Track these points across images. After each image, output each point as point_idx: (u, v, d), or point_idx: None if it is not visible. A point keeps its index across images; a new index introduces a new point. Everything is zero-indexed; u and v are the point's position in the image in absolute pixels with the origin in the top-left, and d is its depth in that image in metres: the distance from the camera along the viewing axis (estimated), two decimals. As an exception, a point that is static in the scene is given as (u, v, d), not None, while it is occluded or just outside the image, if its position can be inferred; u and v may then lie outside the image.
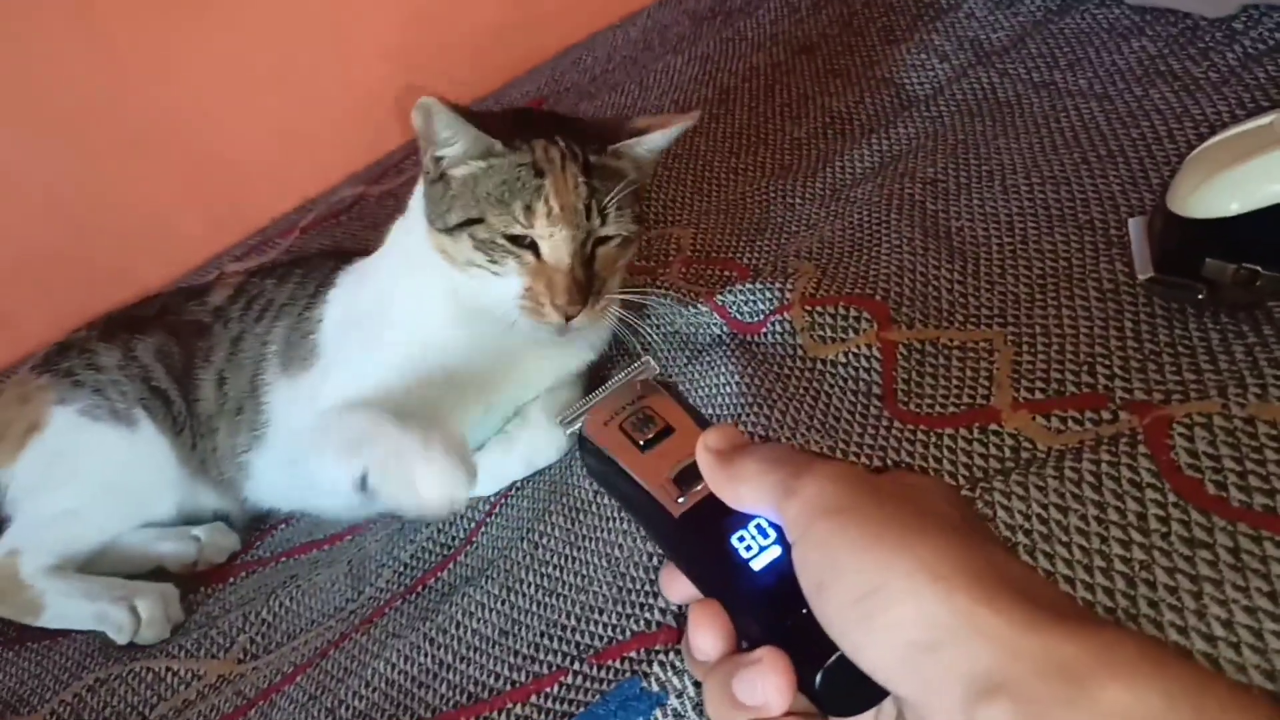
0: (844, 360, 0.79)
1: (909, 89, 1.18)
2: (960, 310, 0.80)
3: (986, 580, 0.34)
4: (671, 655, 0.62)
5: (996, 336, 0.76)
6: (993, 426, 0.68)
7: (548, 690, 0.67)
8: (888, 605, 0.35)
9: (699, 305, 0.94)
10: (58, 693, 0.93)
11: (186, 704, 0.87)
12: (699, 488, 0.44)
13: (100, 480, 1.04)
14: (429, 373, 0.89)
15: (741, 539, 0.42)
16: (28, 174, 1.61)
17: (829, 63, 1.32)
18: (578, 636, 0.71)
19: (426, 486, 0.75)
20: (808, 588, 0.38)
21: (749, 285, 0.91)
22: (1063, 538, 0.58)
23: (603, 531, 0.79)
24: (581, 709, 0.64)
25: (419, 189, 0.93)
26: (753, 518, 0.42)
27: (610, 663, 0.66)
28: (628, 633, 0.67)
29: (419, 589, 0.87)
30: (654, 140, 0.87)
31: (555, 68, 1.73)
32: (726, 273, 1.00)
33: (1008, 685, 0.32)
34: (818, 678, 0.38)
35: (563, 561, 0.79)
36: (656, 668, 0.62)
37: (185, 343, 1.08)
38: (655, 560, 0.72)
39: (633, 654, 0.65)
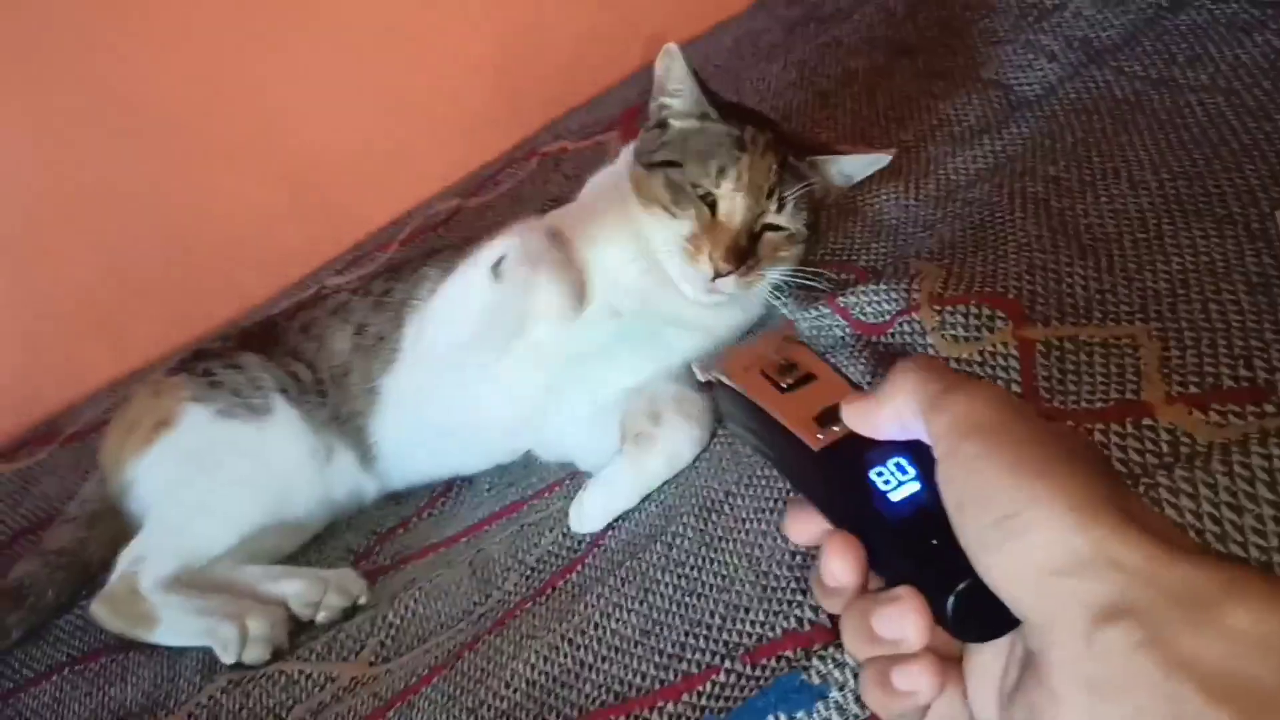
0: (980, 359, 0.79)
1: (1018, 90, 1.17)
2: (1098, 307, 0.79)
3: (1121, 515, 0.35)
4: (832, 649, 0.61)
5: (1140, 332, 0.75)
6: (1146, 421, 0.67)
7: (700, 689, 0.67)
8: (1025, 529, 0.36)
9: (820, 307, 0.93)
10: (193, 695, 0.95)
11: (322, 706, 0.88)
12: (839, 426, 0.46)
13: (232, 476, 1.06)
14: (590, 240, 1.00)
15: (880, 474, 0.43)
16: (130, 187, 1.66)
17: (930, 65, 1.31)
18: (725, 635, 0.71)
19: (543, 299, 0.92)
20: (949, 505, 0.39)
21: (871, 286, 0.91)
22: (1238, 537, 0.57)
23: (740, 531, 0.79)
24: (738, 704, 0.63)
25: (625, 148, 1.06)
26: (892, 456, 0.43)
27: (764, 660, 0.66)
28: (779, 630, 0.67)
29: (549, 591, 0.88)
30: (848, 163, 0.98)
31: (647, 78, 1.74)
32: (844, 275, 0.99)
33: (1134, 610, 0.33)
34: (949, 602, 0.39)
35: (700, 562, 0.79)
36: (816, 661, 0.61)
37: (317, 325, 1.12)
38: (800, 559, 0.72)
39: (788, 652, 0.65)
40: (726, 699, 0.65)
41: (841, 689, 0.59)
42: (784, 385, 0.49)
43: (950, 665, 0.42)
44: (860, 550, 0.43)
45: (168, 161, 1.67)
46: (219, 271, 1.72)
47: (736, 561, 0.76)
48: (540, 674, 0.77)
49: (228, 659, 0.95)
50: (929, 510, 0.40)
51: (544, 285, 0.93)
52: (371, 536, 1.10)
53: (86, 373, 1.66)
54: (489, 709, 0.77)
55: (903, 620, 0.40)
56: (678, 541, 0.82)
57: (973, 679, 0.42)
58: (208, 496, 1.05)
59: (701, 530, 0.82)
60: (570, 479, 1.01)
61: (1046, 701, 0.36)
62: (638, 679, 0.72)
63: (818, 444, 0.46)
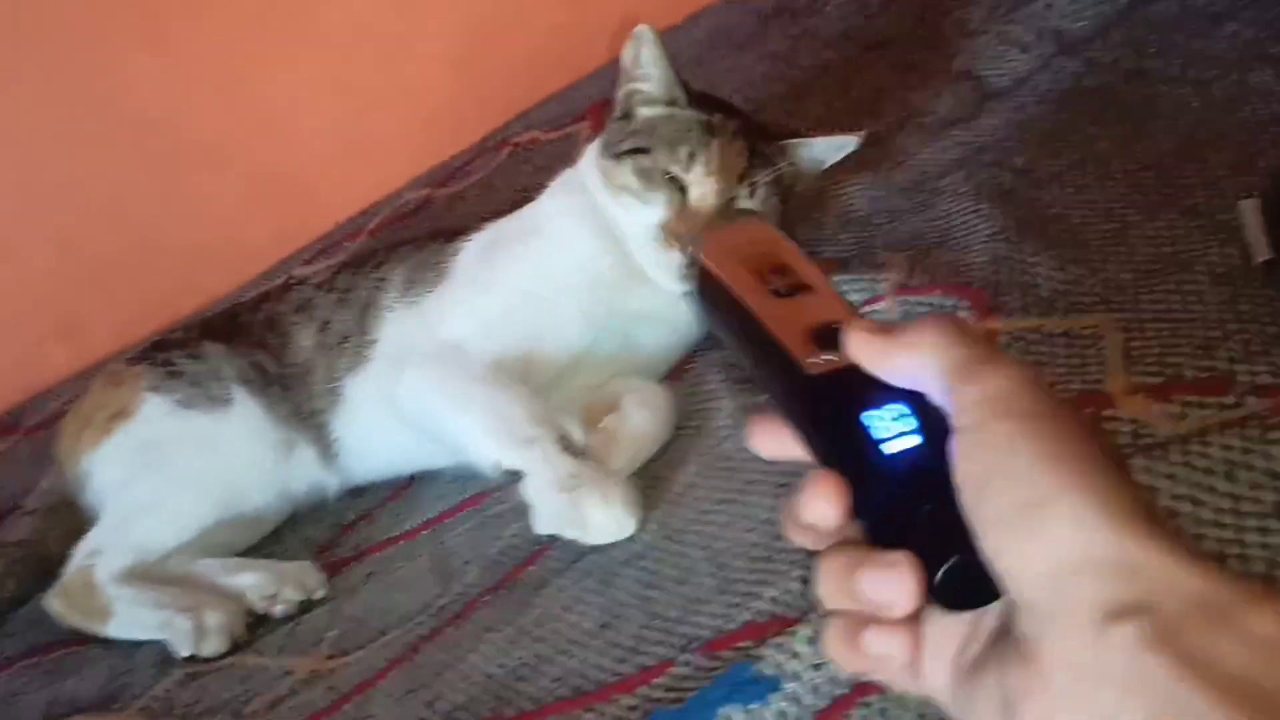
0: (943, 350, 0.78)
1: (989, 81, 1.16)
2: (1063, 298, 0.78)
3: (1146, 520, 0.34)
4: (785, 638, 0.60)
5: (1103, 323, 0.74)
6: (1107, 412, 0.67)
7: (655, 681, 0.66)
8: (1051, 521, 0.35)
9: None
10: (149, 689, 0.93)
11: (280, 699, 0.86)
12: (837, 353, 0.40)
13: (189, 469, 1.04)
14: (558, 281, 0.97)
15: (879, 419, 0.39)
16: (95, 185, 1.65)
17: (903, 57, 1.31)
18: (682, 628, 0.70)
19: (598, 528, 0.81)
20: (964, 480, 0.37)
21: (838, 277, 0.90)
22: (1195, 530, 0.57)
23: (699, 524, 0.78)
24: (692, 696, 0.62)
25: (589, 147, 1.04)
26: (892, 401, 0.39)
27: (721, 652, 0.65)
28: (737, 622, 0.66)
29: (509, 583, 0.87)
30: (816, 146, 0.99)
31: (618, 70, 1.72)
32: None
33: (1149, 609, 0.32)
34: (940, 573, 0.37)
35: (660, 555, 0.78)
36: (770, 650, 0.60)
37: (282, 322, 1.10)
38: (759, 551, 0.71)
39: (744, 644, 0.64)
40: (680, 690, 0.64)
41: (796, 679, 0.58)
42: (780, 289, 0.43)
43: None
44: (848, 495, 0.40)
45: (130, 157, 1.66)
46: (183, 266, 1.70)
47: (696, 554, 0.75)
48: (498, 667, 0.76)
49: (183, 651, 0.93)
50: (926, 470, 0.38)
51: (596, 509, 0.82)
52: (333, 529, 1.09)
53: (47, 366, 1.65)
54: (445, 701, 0.76)
55: (898, 588, 0.39)
56: (639, 534, 0.81)
57: (928, 645, 0.41)
58: (164, 489, 1.04)
59: (663, 523, 0.81)
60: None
61: (1033, 684, 0.35)
62: (595, 672, 0.71)
63: (812, 369, 0.41)
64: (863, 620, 0.40)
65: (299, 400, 1.08)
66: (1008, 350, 0.74)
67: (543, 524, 0.84)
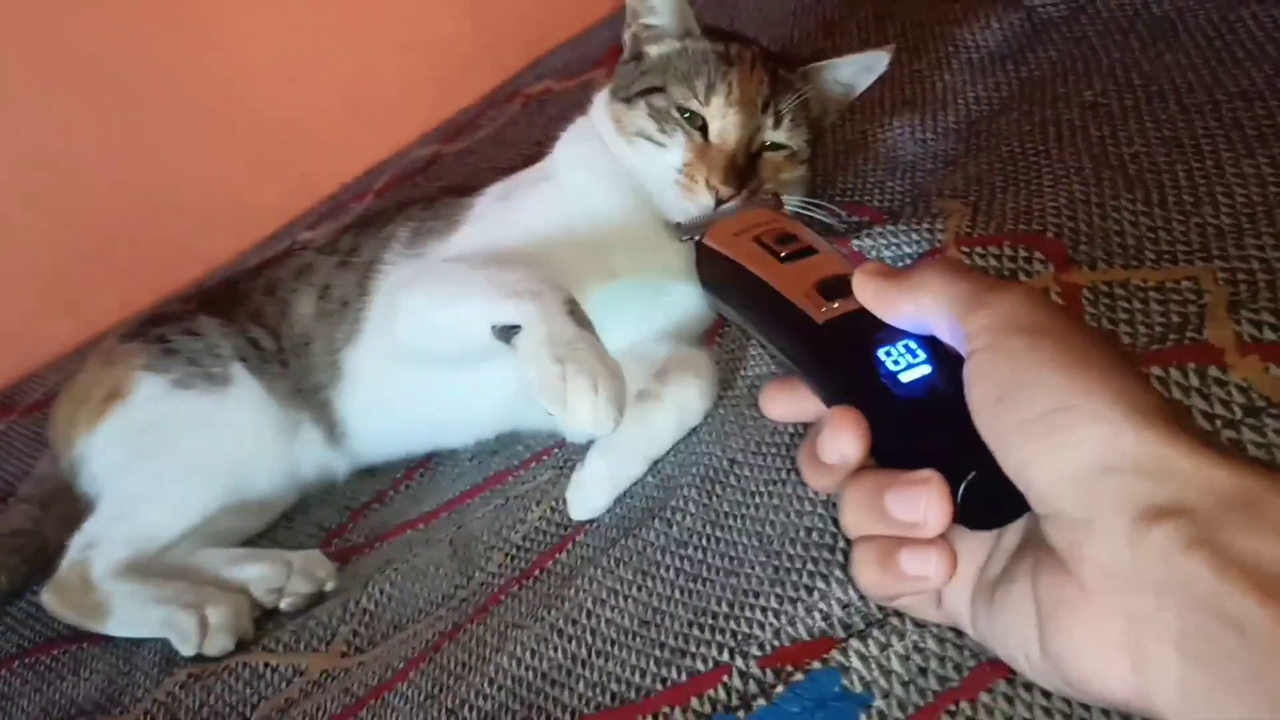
0: (1018, 307, 0.69)
1: (1040, 11, 1.07)
2: (1151, 247, 0.69)
3: (1170, 420, 0.35)
4: (873, 647, 0.52)
5: (1202, 274, 0.65)
6: (1213, 373, 0.58)
7: (709, 692, 0.58)
8: (1077, 424, 0.35)
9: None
10: (150, 691, 0.86)
11: (290, 702, 0.79)
12: (846, 300, 0.44)
13: (189, 453, 0.97)
14: (574, 231, 0.88)
15: (889, 353, 0.41)
16: (91, 153, 1.58)
17: (943, -12, 1.21)
18: (733, 625, 0.62)
19: (576, 415, 0.72)
20: (982, 398, 0.38)
21: (889, 229, 0.81)
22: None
23: (747, 507, 0.70)
24: (757, 710, 0.55)
25: (599, 95, 0.95)
26: (902, 336, 0.42)
27: (783, 665, 0.57)
28: (799, 627, 0.58)
29: (536, 573, 0.79)
30: (842, 67, 0.91)
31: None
32: (856, 218, 0.90)
33: (1185, 510, 0.33)
34: (961, 489, 0.38)
35: (704, 542, 0.70)
36: (856, 661, 0.52)
37: (281, 288, 1.03)
38: (815, 536, 0.63)
39: (816, 659, 0.56)
40: (740, 701, 0.56)
41: (886, 697, 0.50)
42: (783, 254, 0.46)
43: None
44: (866, 425, 0.41)
45: (125, 121, 1.58)
46: (183, 233, 1.63)
47: (745, 540, 0.67)
48: (527, 669, 0.69)
49: (187, 651, 0.87)
50: (940, 394, 0.40)
51: (582, 394, 0.72)
52: (344, 513, 1.01)
53: (46, 341, 1.58)
54: (471, 709, 0.69)
55: (929, 503, 0.39)
56: (678, 518, 0.73)
57: None
58: (164, 475, 0.96)
59: (705, 505, 0.73)
60: (559, 447, 0.92)
61: (1070, 593, 0.35)
62: (637, 677, 0.63)
63: (822, 316, 0.44)
64: (896, 542, 0.40)
65: (300, 375, 1.00)
66: (1099, 302, 0.66)
67: (535, 390, 0.73)
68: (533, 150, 1.05)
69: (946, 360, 0.41)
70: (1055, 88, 0.92)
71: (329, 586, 0.90)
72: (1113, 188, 0.75)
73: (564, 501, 0.82)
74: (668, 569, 0.70)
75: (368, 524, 0.98)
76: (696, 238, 0.50)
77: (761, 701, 0.54)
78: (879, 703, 0.50)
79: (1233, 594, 0.31)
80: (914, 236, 0.79)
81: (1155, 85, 0.85)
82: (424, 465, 1.02)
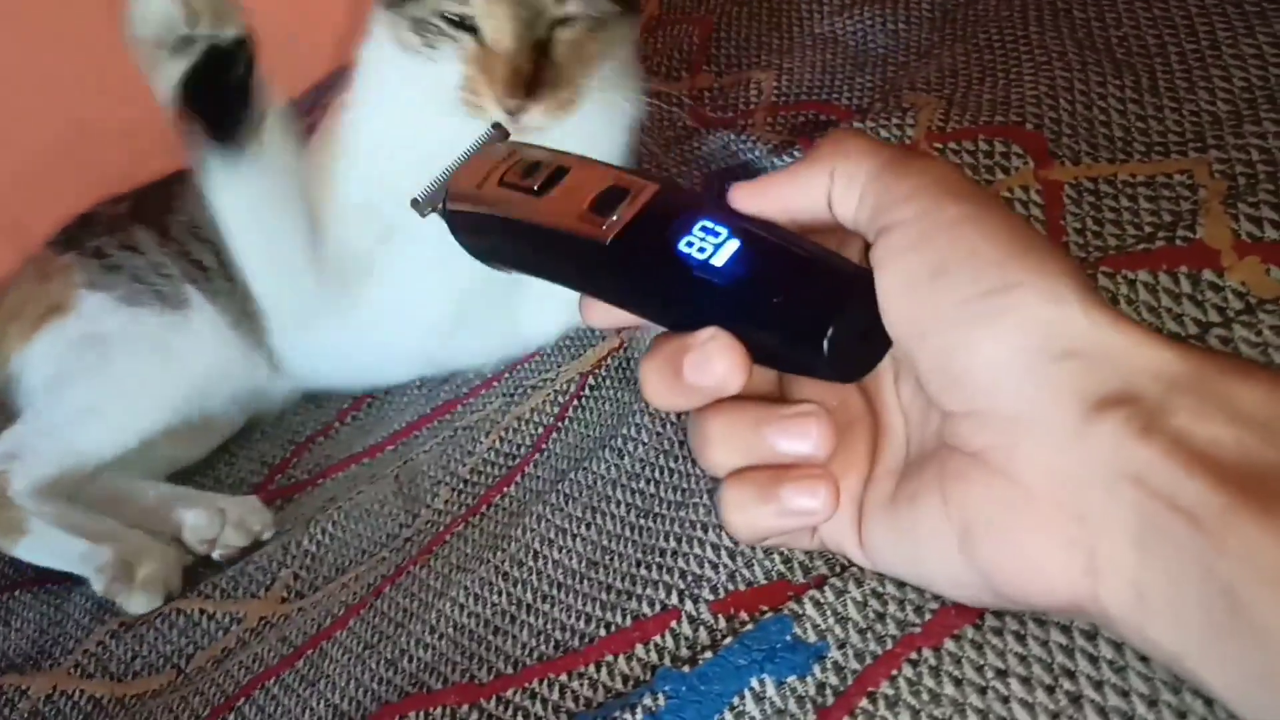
0: (994, 207, 0.63)
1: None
2: (1140, 137, 0.63)
3: (1110, 307, 0.32)
4: (830, 595, 0.47)
5: (1197, 166, 0.59)
6: (1208, 276, 0.52)
7: (656, 639, 0.53)
8: (1023, 304, 0.32)
9: (795, 151, 0.78)
10: (81, 641, 0.82)
11: (226, 652, 0.75)
12: (624, 208, 0.40)
13: (139, 370, 0.91)
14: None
15: (690, 244, 0.38)
16: (23, 73, 1.47)
17: None
18: (682, 564, 0.56)
19: None
20: (913, 273, 0.34)
21: (856, 125, 0.75)
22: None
23: (702, 436, 0.64)
24: (706, 660, 0.49)
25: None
26: (694, 222, 0.38)
27: (735, 611, 0.51)
28: (755, 567, 0.52)
29: (483, 508, 0.74)
30: None
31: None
32: (823, 116, 0.83)
33: (1136, 397, 0.30)
34: (825, 344, 0.35)
35: (655, 474, 0.65)
36: (810, 608, 0.47)
37: None
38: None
39: (777, 602, 0.50)
40: (690, 651, 0.51)
41: (843, 647, 0.45)
42: (535, 188, 0.42)
43: None
44: (743, 348, 0.37)
45: (60, 42, 1.48)
46: (126, 148, 1.52)
47: (699, 471, 0.62)
48: (470, 616, 0.64)
49: (100, 590, 0.81)
50: (760, 261, 0.37)
51: None
52: (288, 446, 0.96)
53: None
54: (411, 659, 0.64)
55: (817, 433, 0.37)
56: (630, 448, 0.68)
57: None
58: (108, 391, 0.90)
59: (659, 433, 0.67)
60: (510, 373, 0.86)
61: (1005, 498, 0.33)
62: (581, 623, 0.58)
63: (606, 235, 0.39)
64: (775, 475, 0.38)
65: (246, 295, 0.93)
66: (1082, 200, 0.60)
67: None
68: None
69: (745, 229, 0.38)
70: (1036, -33, 0.85)
71: (265, 536, 0.85)
72: (1098, 73, 0.69)
73: (512, 430, 0.76)
74: (618, 504, 0.65)
75: (312, 459, 0.93)
76: (439, 206, 0.44)
77: (708, 655, 0.48)
78: (834, 653, 0.44)
79: (1186, 486, 0.29)
80: (882, 134, 0.73)
81: (1145, -40, 0.77)
82: (370, 394, 0.97)
